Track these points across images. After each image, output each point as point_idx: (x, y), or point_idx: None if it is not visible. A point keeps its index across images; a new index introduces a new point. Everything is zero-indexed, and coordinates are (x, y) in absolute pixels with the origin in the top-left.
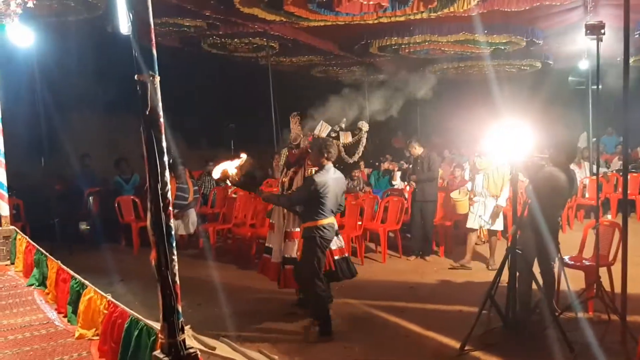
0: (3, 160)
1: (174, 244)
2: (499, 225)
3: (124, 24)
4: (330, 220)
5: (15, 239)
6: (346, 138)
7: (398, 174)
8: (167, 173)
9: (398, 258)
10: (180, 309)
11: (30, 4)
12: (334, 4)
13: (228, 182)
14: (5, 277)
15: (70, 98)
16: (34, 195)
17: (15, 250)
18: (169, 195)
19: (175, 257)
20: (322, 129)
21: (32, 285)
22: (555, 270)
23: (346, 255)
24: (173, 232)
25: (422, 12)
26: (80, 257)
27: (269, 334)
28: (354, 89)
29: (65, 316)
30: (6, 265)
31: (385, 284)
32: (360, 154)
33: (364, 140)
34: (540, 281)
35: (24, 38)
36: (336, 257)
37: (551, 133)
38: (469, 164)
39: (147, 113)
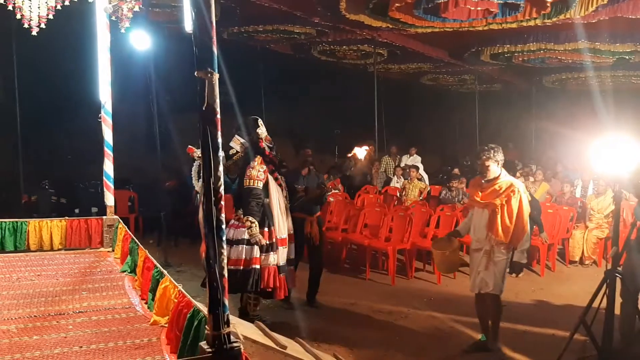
0: (111, 153)
1: (224, 238)
2: None
3: (188, 23)
4: None
5: (117, 227)
6: None
7: None
8: (220, 168)
9: None
10: (226, 302)
11: (136, 8)
12: (440, 10)
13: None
14: (104, 262)
15: (183, 99)
16: (149, 190)
17: (117, 239)
18: (222, 190)
19: (224, 251)
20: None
21: (125, 271)
22: None
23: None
24: (224, 226)
25: (535, 18)
26: (184, 249)
27: (348, 339)
28: (465, 98)
29: (146, 302)
30: (108, 251)
31: None
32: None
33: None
34: None
35: (143, 42)
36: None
37: None
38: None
39: (204, 109)
